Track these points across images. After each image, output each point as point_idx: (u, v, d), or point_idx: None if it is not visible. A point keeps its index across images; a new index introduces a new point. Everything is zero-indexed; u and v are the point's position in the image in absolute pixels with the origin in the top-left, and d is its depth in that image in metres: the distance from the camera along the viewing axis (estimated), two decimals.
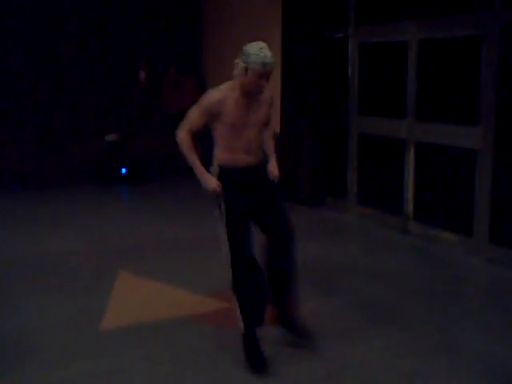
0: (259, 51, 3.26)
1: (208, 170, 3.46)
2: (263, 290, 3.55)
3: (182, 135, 3.43)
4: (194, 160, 3.43)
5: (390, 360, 3.45)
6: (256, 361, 3.36)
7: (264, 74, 3.28)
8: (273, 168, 3.64)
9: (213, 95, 3.38)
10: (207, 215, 6.24)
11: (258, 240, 3.54)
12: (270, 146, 3.72)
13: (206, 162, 3.49)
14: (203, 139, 3.66)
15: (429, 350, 3.57)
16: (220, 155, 3.46)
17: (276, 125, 7.48)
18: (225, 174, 3.44)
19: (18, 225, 6.43)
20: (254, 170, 3.49)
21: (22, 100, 8.55)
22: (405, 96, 5.90)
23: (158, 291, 4.51)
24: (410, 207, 5.97)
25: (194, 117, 3.42)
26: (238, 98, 3.36)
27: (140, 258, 5.30)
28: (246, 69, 3.27)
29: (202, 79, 9.36)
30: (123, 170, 8.73)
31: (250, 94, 3.37)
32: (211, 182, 3.41)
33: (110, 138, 9.02)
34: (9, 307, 4.24)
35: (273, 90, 7.62)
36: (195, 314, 4.09)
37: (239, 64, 3.32)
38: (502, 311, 4.15)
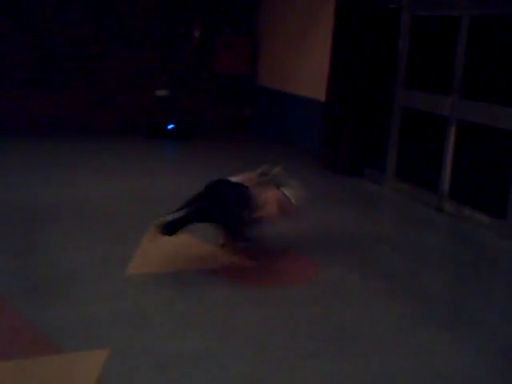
0: None
1: None
2: None
3: None
4: None
5: (393, 332, 3.52)
6: None
7: None
8: None
9: None
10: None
11: None
12: None
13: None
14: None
15: (438, 325, 3.62)
16: None
17: (322, 93, 7.49)
18: None
19: (62, 172, 6.68)
20: None
21: (74, 51, 8.74)
22: (452, 73, 5.81)
23: (185, 244, 4.66)
24: (446, 185, 5.93)
25: None
26: None
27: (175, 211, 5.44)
28: None
29: (256, 41, 9.38)
30: (170, 126, 8.91)
31: None
32: None
33: (161, 93, 9.20)
34: (43, 248, 4.46)
35: (322, 57, 7.66)
36: (215, 267, 4.28)
37: None
38: None
